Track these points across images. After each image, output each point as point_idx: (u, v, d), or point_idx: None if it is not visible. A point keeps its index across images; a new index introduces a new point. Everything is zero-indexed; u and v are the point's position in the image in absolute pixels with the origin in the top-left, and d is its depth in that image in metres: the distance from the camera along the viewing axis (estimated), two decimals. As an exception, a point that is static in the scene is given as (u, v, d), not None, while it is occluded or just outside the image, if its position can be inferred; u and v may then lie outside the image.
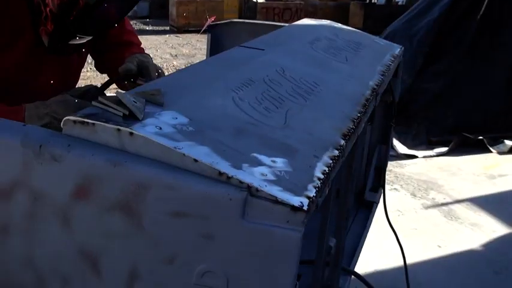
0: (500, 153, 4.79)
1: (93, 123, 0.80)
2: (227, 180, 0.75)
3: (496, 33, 5.19)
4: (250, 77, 1.18)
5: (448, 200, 3.79)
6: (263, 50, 1.45)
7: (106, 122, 0.79)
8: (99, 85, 1.32)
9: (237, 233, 0.75)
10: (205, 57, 2.55)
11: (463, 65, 5.25)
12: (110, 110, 0.83)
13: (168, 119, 0.85)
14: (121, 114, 0.82)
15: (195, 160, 0.76)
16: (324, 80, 1.33)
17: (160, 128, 0.81)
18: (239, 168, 0.78)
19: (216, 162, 0.77)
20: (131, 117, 0.82)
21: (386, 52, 1.93)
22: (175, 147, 0.77)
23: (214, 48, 2.43)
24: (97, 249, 0.79)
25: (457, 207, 3.67)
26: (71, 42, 1.23)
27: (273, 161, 0.83)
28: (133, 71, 1.31)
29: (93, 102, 0.85)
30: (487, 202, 3.75)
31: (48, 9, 1.19)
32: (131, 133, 0.78)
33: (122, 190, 0.77)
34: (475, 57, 5.23)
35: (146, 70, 1.34)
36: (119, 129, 0.79)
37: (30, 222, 0.81)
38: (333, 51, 1.65)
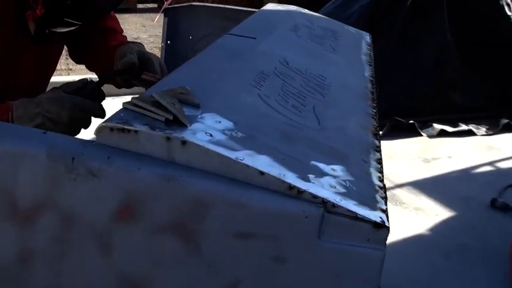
0: (430, 136, 4.92)
1: (136, 131, 0.68)
2: (298, 194, 0.66)
3: (426, 19, 5.31)
4: (261, 70, 1.08)
5: (390, 184, 3.85)
6: (255, 38, 1.35)
7: (152, 129, 0.68)
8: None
9: (312, 254, 0.66)
10: (153, 40, 2.41)
11: (392, 50, 5.34)
12: (149, 114, 0.71)
13: (212, 123, 0.74)
14: (163, 119, 0.70)
15: (261, 173, 0.66)
16: (327, 72, 1.26)
17: (211, 135, 0.70)
18: (307, 180, 0.69)
19: (283, 174, 0.67)
20: (175, 123, 0.71)
21: (361, 40, 1.90)
22: (236, 158, 0.67)
23: (171, 33, 2.29)
24: (144, 278, 0.68)
25: (399, 192, 3.73)
26: (58, 30, 1.07)
27: (333, 170, 0.75)
28: (137, 64, 1.16)
29: (125, 105, 0.73)
30: (426, 186, 3.84)
31: None
32: (184, 142, 0.67)
33: (177, 209, 0.66)
34: (405, 42, 5.33)
35: (150, 63, 1.19)
36: (168, 138, 0.67)
37: (59, 249, 0.68)
38: (317, 40, 1.58)
